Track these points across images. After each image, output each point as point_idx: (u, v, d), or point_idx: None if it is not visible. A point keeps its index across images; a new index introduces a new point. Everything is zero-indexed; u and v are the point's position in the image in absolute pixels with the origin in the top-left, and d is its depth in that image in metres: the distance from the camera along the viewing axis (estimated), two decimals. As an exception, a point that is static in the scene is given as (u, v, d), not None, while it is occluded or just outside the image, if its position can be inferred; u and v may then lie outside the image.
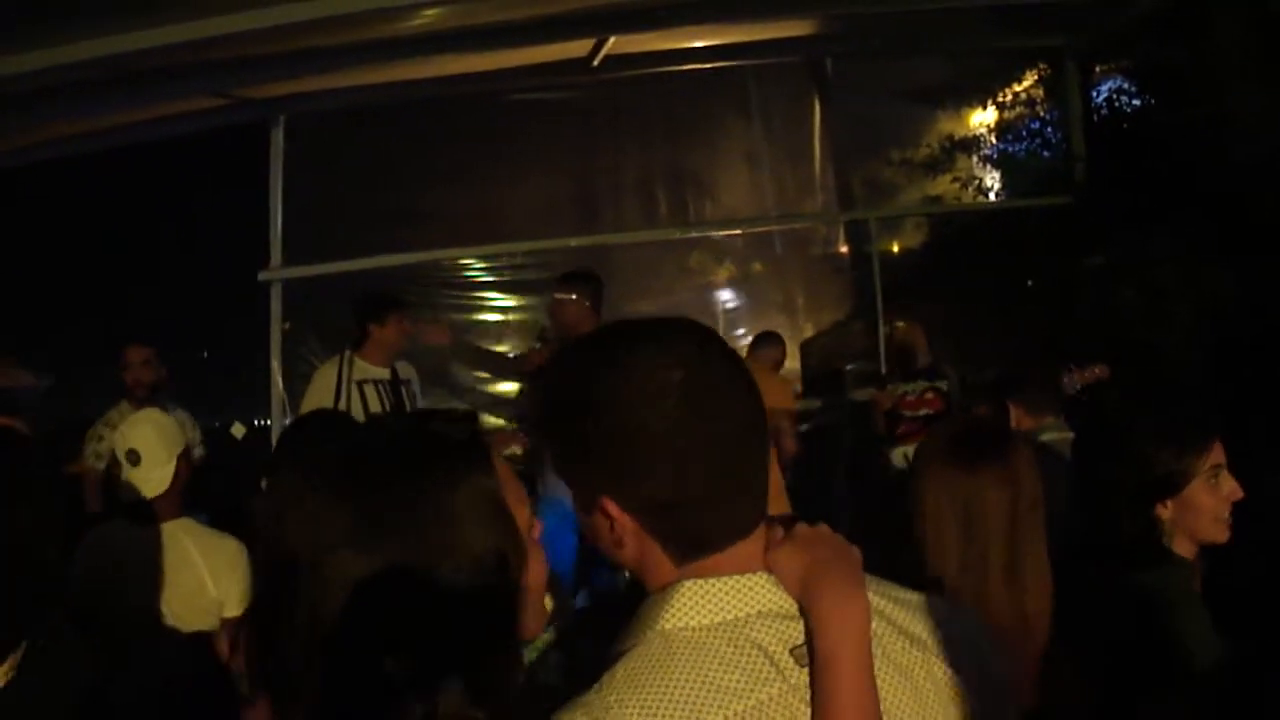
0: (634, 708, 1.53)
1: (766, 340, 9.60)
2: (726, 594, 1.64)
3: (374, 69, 9.37)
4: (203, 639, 4.47)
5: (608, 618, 1.79)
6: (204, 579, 4.46)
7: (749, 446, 1.69)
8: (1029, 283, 12.36)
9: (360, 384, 7.69)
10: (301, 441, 3.27)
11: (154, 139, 10.46)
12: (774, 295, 13.55)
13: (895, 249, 14.22)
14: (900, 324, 9.13)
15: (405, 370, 7.95)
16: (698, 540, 1.67)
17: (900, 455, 8.41)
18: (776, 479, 7.86)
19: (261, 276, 10.24)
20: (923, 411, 8.81)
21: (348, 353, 7.74)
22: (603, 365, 1.68)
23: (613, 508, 1.66)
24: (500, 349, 11.43)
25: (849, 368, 11.49)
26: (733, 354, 1.75)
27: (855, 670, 1.58)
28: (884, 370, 10.13)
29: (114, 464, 4.72)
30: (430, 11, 8.08)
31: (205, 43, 7.40)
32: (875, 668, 1.63)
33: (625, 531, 1.68)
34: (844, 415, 10.51)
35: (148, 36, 7.19)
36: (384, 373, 7.76)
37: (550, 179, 12.12)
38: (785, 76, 12.76)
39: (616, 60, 9.84)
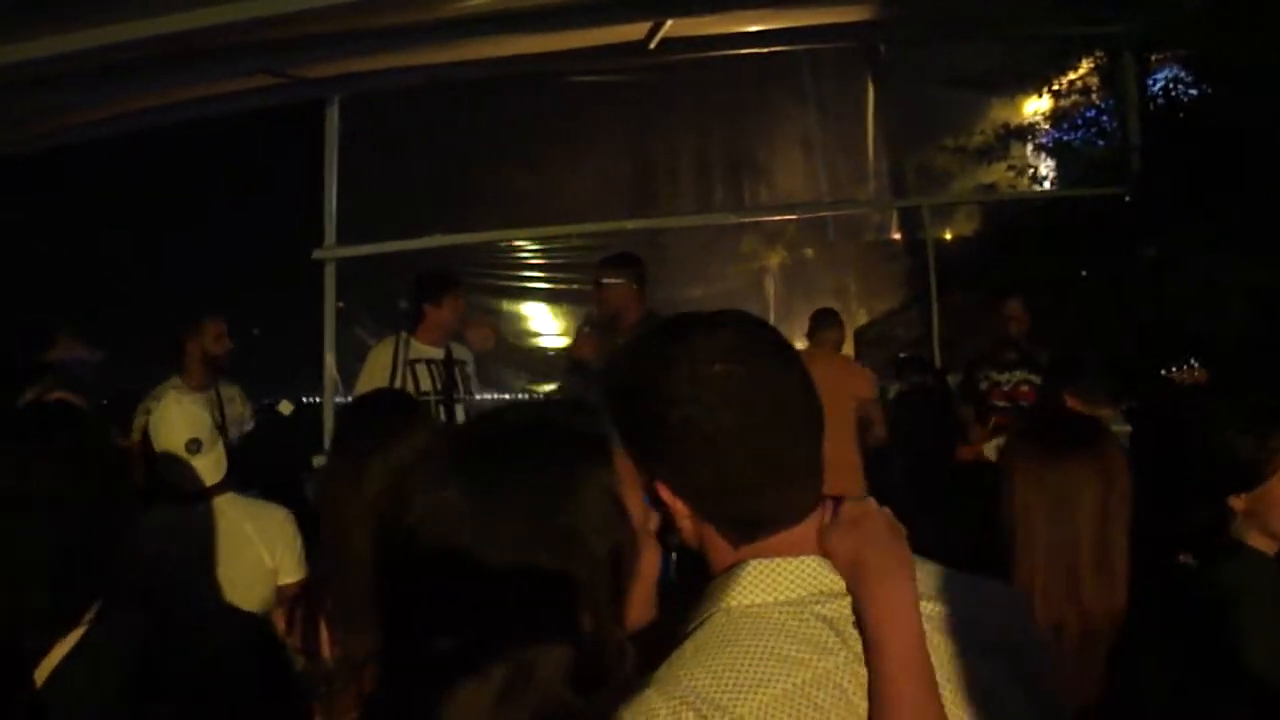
0: (703, 677, 1.59)
1: (826, 321, 9.18)
2: (791, 574, 1.69)
3: (430, 49, 9.37)
4: (252, 614, 4.50)
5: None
6: (259, 549, 4.49)
7: (799, 436, 1.74)
8: (1082, 272, 12.31)
9: (413, 363, 7.68)
10: (364, 420, 3.27)
11: (211, 116, 10.52)
12: (826, 281, 13.52)
13: (948, 236, 14.18)
14: (1013, 304, 8.57)
15: (460, 351, 7.89)
16: (748, 524, 1.73)
17: (993, 448, 8.05)
18: (853, 462, 7.86)
19: (316, 255, 10.27)
20: (1017, 403, 8.32)
21: (403, 333, 7.74)
22: (657, 357, 1.75)
23: (665, 493, 1.74)
24: (551, 334, 11.44)
25: (902, 355, 11.43)
26: (787, 347, 1.80)
27: (904, 650, 1.61)
28: (938, 359, 10.07)
29: (147, 443, 4.75)
30: (488, -8, 8.10)
31: (263, 22, 7.41)
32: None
33: (680, 515, 1.75)
34: (899, 402, 10.42)
35: (206, 15, 7.21)
36: (438, 353, 7.73)
37: (605, 161, 12.14)
38: (839, 61, 12.74)
39: (673, 43, 9.80)
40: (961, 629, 1.73)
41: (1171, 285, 10.27)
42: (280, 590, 4.50)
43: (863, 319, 13.45)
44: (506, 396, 11.72)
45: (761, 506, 1.72)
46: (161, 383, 7.67)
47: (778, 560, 1.70)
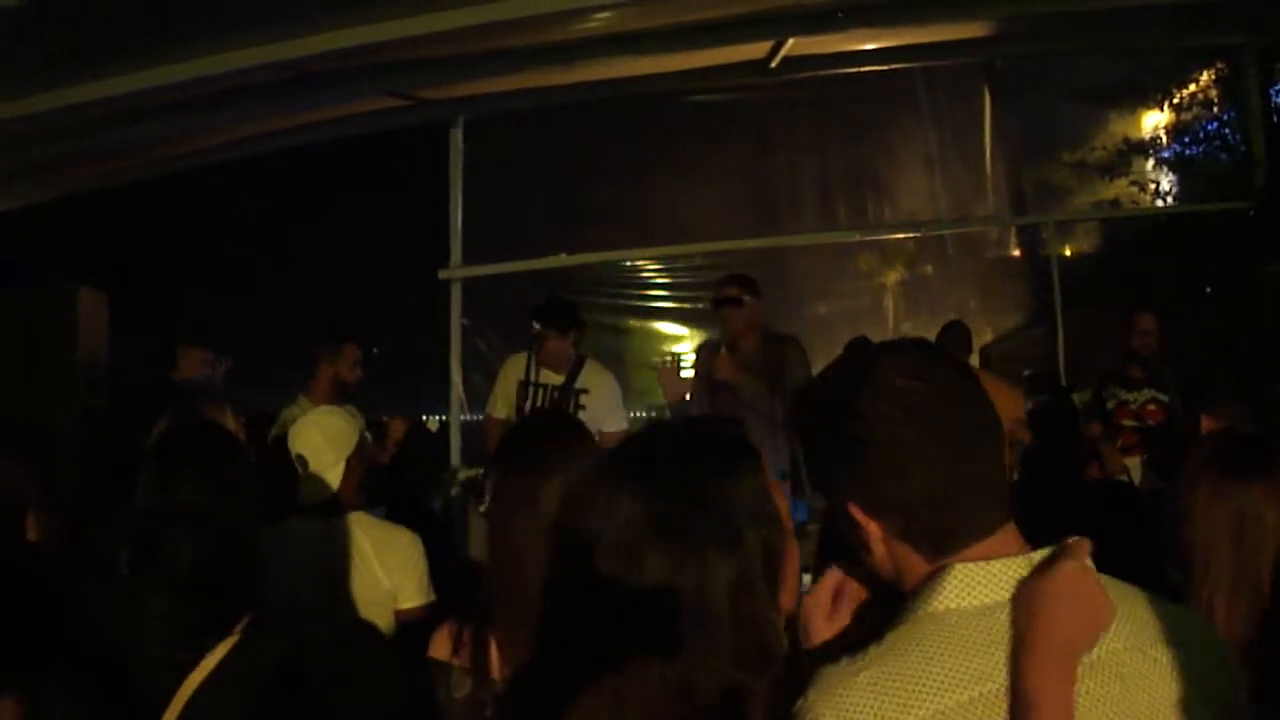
0: (890, 677, 1.64)
1: (953, 335, 8.99)
2: (995, 576, 1.72)
3: (553, 71, 9.45)
4: (377, 631, 4.53)
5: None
6: (376, 572, 4.51)
7: (983, 450, 1.79)
8: (1207, 289, 12.15)
9: (535, 387, 7.71)
10: (538, 440, 3.30)
11: (337, 138, 10.70)
12: (948, 298, 13.46)
13: (1068, 252, 14.05)
14: (1145, 318, 8.38)
15: (590, 380, 7.80)
16: (940, 538, 1.76)
17: (1122, 466, 7.85)
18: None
19: (442, 275, 10.39)
20: (1145, 422, 8.29)
21: (530, 353, 7.77)
22: (843, 380, 1.84)
23: (858, 513, 1.79)
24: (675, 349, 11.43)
25: (1027, 373, 11.32)
26: (966, 368, 1.87)
27: None
28: (1064, 377, 9.95)
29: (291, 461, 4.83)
30: (607, 14, 8.13)
31: (388, 45, 7.51)
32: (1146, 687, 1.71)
33: (872, 537, 1.79)
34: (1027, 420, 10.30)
35: (333, 39, 7.32)
36: (558, 379, 7.72)
37: (726, 180, 12.15)
38: (957, 78, 12.66)
39: (793, 62, 9.80)
40: (1184, 678, 1.76)
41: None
42: (399, 614, 4.51)
43: (988, 337, 13.36)
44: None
45: (951, 518, 1.75)
46: (289, 403, 7.74)
47: (984, 565, 1.73)
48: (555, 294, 8.20)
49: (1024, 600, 1.68)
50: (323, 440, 4.65)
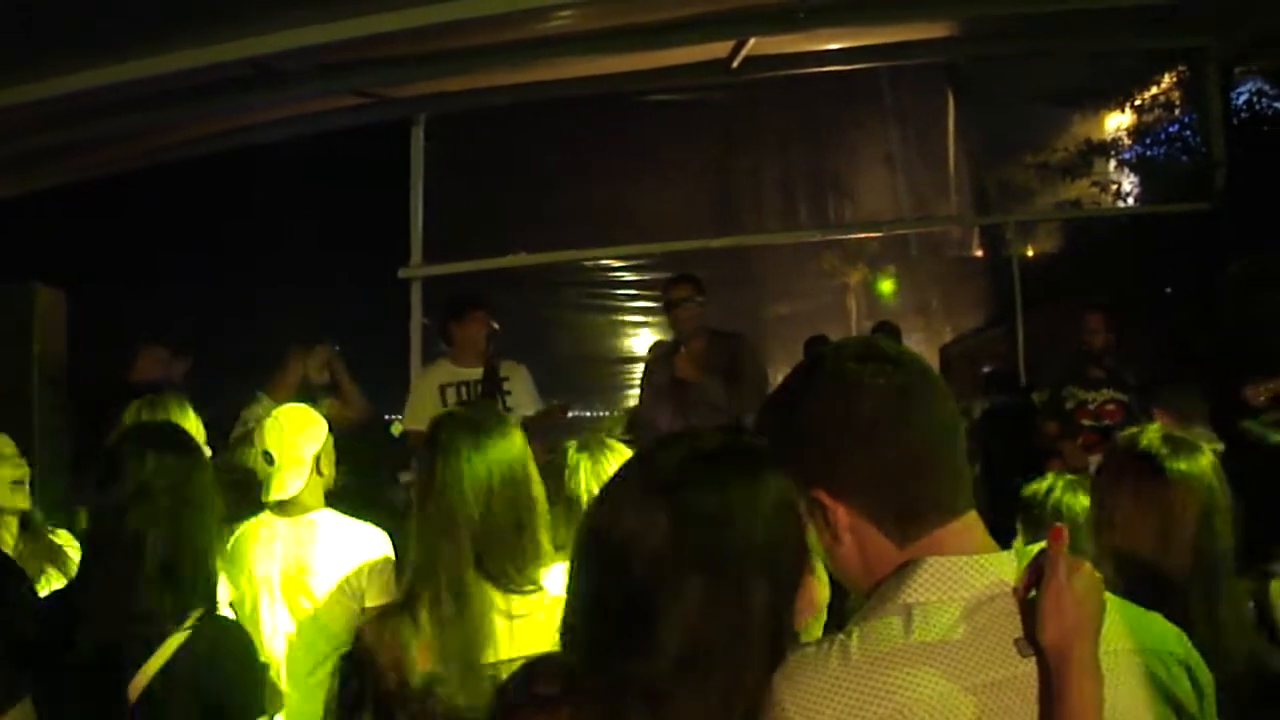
0: (854, 671, 1.64)
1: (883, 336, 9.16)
2: (967, 571, 1.73)
3: (514, 69, 9.42)
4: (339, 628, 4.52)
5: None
6: (344, 570, 4.50)
7: (949, 434, 1.82)
8: (1167, 290, 12.21)
9: (444, 388, 7.68)
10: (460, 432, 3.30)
11: (297, 137, 10.66)
12: (909, 298, 13.51)
13: (1030, 252, 14.11)
14: (1095, 324, 8.42)
15: (509, 369, 7.83)
16: (907, 517, 1.77)
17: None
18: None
19: (402, 274, 10.36)
20: (1103, 422, 8.24)
21: (441, 359, 7.77)
22: (800, 376, 1.91)
23: (825, 497, 1.79)
24: (636, 351, 11.43)
25: (988, 369, 11.36)
26: (927, 368, 1.89)
27: None
28: (1023, 377, 9.98)
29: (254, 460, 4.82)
30: (569, 13, 8.12)
31: (348, 43, 7.49)
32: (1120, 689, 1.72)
33: (840, 525, 1.79)
34: (985, 419, 10.35)
35: (292, 37, 7.30)
36: (474, 373, 7.70)
37: (688, 180, 12.14)
38: (921, 78, 12.68)
39: (755, 61, 9.80)
40: (1151, 681, 1.80)
41: (1260, 303, 10.15)
42: (366, 612, 4.47)
43: (947, 336, 13.41)
44: (584, 414, 11.76)
45: (916, 494, 1.77)
46: (250, 402, 7.68)
47: (955, 559, 1.73)
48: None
49: (1054, 604, 1.67)
50: (290, 437, 4.62)
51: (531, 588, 3.12)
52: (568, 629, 1.84)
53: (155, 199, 15.24)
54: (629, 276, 11.91)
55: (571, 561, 1.85)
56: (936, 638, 1.66)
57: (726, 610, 1.70)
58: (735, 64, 9.69)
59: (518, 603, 3.06)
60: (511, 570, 3.09)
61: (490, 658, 2.97)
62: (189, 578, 3.37)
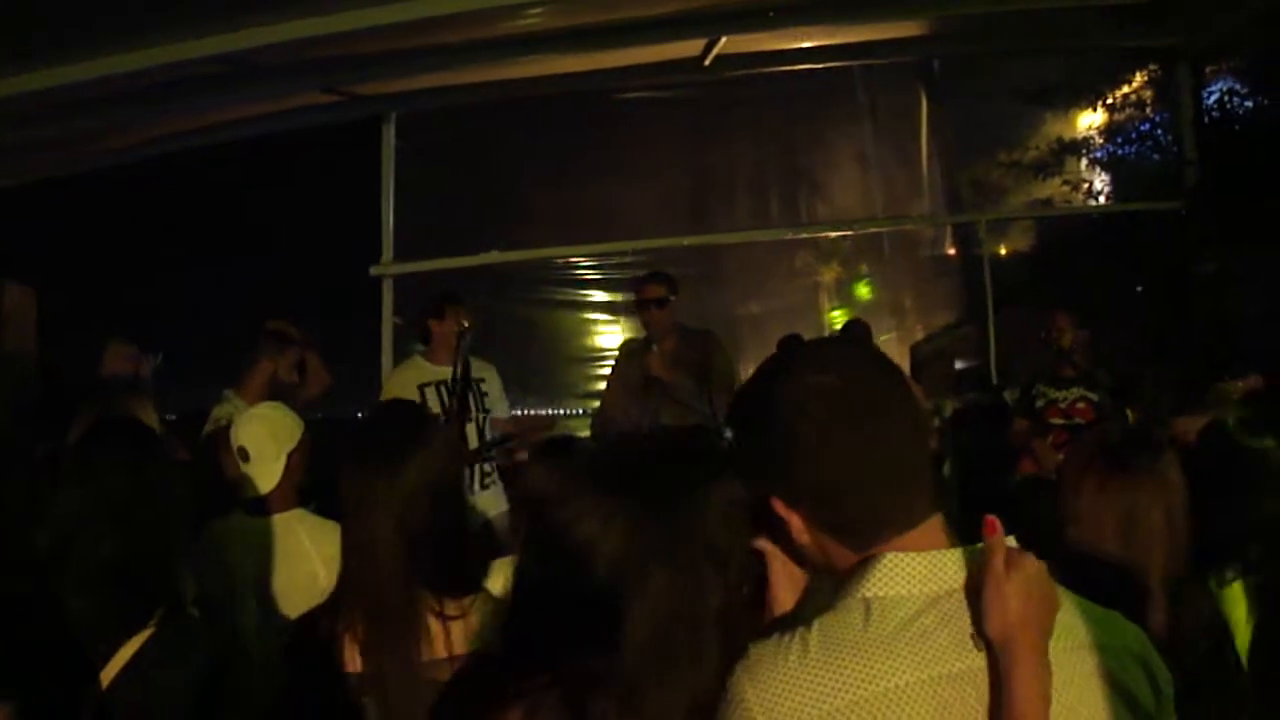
0: (813, 663, 1.66)
1: (854, 333, 9.14)
2: (924, 567, 1.74)
3: (486, 67, 9.42)
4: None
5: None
6: (316, 568, 4.48)
7: (905, 445, 1.80)
8: (1139, 288, 12.23)
9: (423, 387, 7.61)
10: (387, 436, 3.30)
11: (269, 134, 10.63)
12: (882, 297, 13.52)
13: (1003, 251, 14.13)
14: (1062, 323, 8.41)
15: (480, 368, 7.69)
16: (859, 529, 1.78)
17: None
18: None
19: (374, 271, 10.36)
20: (1073, 421, 8.15)
21: (416, 356, 7.71)
22: (766, 377, 1.89)
23: (780, 507, 1.81)
24: (608, 349, 11.41)
25: (960, 366, 11.37)
26: (894, 369, 1.89)
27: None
28: (994, 375, 10.00)
29: (229, 456, 4.79)
30: (540, 10, 8.11)
31: (319, 40, 7.49)
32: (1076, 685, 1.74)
33: (794, 529, 1.81)
34: (956, 418, 10.34)
35: (263, 33, 7.31)
36: (446, 372, 7.49)
37: (660, 178, 12.12)
38: (893, 77, 12.69)
39: (728, 60, 9.82)
40: (1109, 682, 1.79)
41: (1228, 300, 10.20)
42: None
43: (919, 335, 13.42)
44: (558, 412, 11.77)
45: (866, 508, 1.78)
46: (220, 401, 7.64)
47: (914, 555, 1.74)
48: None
49: (996, 595, 1.68)
50: (266, 434, 4.60)
51: (468, 588, 3.12)
52: (519, 625, 1.87)
53: (126, 196, 15.17)
54: (601, 275, 11.90)
55: (524, 561, 1.85)
56: (893, 631, 1.67)
57: (685, 606, 1.73)
58: (707, 62, 9.71)
59: (451, 604, 3.05)
60: (447, 572, 3.09)
61: (426, 656, 2.96)
62: (148, 577, 3.34)
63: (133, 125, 9.43)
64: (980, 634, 1.68)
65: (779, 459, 1.80)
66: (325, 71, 8.91)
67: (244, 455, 4.58)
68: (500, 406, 7.73)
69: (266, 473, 4.55)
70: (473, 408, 7.45)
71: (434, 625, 3.01)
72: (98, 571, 3.24)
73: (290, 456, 4.62)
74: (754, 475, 1.85)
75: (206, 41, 7.32)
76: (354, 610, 3.02)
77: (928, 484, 1.83)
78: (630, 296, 9.09)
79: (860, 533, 1.77)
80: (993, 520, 1.73)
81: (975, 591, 1.70)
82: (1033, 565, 1.72)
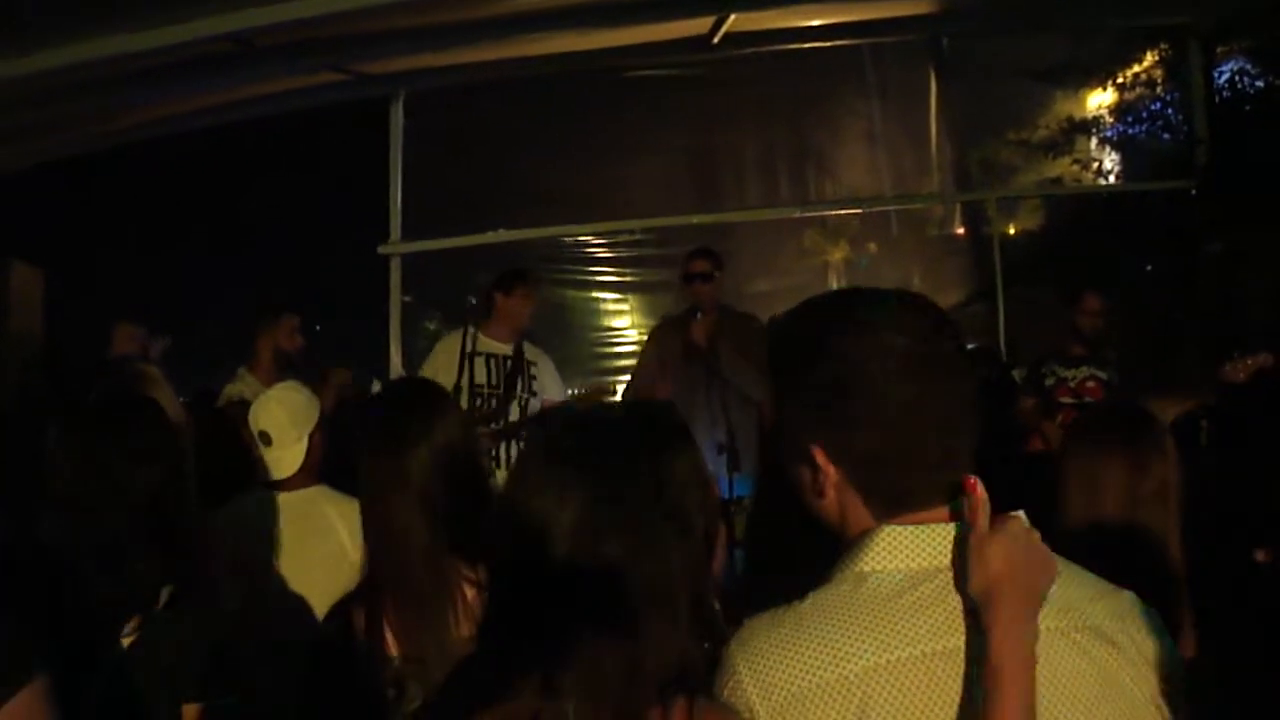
0: (806, 636, 1.66)
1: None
2: (922, 541, 1.72)
3: (494, 45, 9.39)
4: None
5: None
6: (344, 543, 4.48)
7: (960, 418, 1.75)
8: (1148, 267, 12.21)
9: (473, 356, 7.60)
10: (402, 411, 3.28)
11: (278, 114, 10.62)
12: (891, 275, 13.49)
13: (1011, 230, 14.14)
14: (1091, 299, 8.31)
15: (534, 353, 7.76)
16: (898, 498, 1.75)
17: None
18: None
19: (382, 250, 10.36)
20: (1083, 399, 7.96)
21: (471, 327, 7.69)
22: (836, 320, 1.79)
23: (820, 457, 1.76)
24: (617, 327, 11.42)
25: (970, 345, 11.33)
26: (959, 337, 1.82)
27: (1016, 681, 1.60)
28: (1003, 354, 9.97)
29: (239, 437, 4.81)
30: (550, -13, 8.12)
31: (327, 19, 7.46)
32: (1065, 663, 1.71)
33: (828, 483, 1.77)
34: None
35: (271, 12, 7.28)
36: (505, 348, 7.62)
37: (668, 156, 12.11)
38: (902, 55, 12.63)
39: (736, 37, 9.77)
40: (1104, 670, 1.76)
41: (1238, 280, 10.17)
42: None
43: (929, 314, 13.41)
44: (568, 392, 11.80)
45: (919, 480, 1.74)
46: (232, 379, 7.68)
47: (912, 528, 1.72)
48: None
49: (977, 553, 1.66)
50: (285, 416, 4.61)
51: None
52: (496, 600, 1.88)
53: (134, 176, 15.21)
54: (609, 253, 11.90)
55: (495, 535, 1.86)
56: (887, 606, 1.67)
57: (648, 574, 1.72)
58: (716, 40, 9.68)
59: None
60: (478, 539, 3.07)
61: (466, 629, 2.92)
62: (153, 558, 3.32)
63: (139, 106, 9.41)
64: (963, 595, 1.67)
65: (839, 416, 1.74)
66: (333, 51, 8.89)
67: (265, 439, 4.58)
68: (553, 389, 7.80)
69: (289, 456, 4.56)
70: (518, 387, 7.51)
71: (471, 595, 2.98)
72: (103, 551, 3.23)
73: (311, 438, 4.64)
74: (795, 421, 1.81)
75: (213, 20, 7.29)
76: (385, 594, 3.00)
77: (970, 460, 1.77)
78: (637, 275, 9.09)
79: (898, 500, 1.74)
80: (973, 481, 1.70)
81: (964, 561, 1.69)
82: (1017, 525, 1.70)
